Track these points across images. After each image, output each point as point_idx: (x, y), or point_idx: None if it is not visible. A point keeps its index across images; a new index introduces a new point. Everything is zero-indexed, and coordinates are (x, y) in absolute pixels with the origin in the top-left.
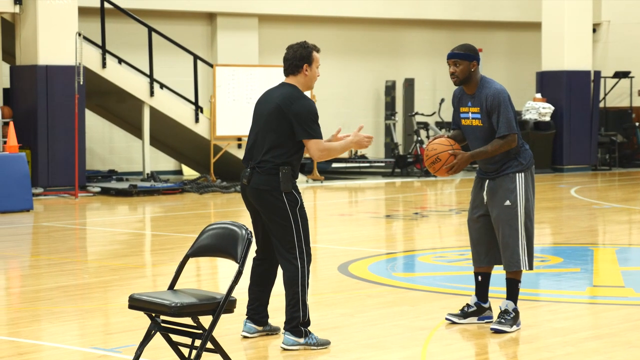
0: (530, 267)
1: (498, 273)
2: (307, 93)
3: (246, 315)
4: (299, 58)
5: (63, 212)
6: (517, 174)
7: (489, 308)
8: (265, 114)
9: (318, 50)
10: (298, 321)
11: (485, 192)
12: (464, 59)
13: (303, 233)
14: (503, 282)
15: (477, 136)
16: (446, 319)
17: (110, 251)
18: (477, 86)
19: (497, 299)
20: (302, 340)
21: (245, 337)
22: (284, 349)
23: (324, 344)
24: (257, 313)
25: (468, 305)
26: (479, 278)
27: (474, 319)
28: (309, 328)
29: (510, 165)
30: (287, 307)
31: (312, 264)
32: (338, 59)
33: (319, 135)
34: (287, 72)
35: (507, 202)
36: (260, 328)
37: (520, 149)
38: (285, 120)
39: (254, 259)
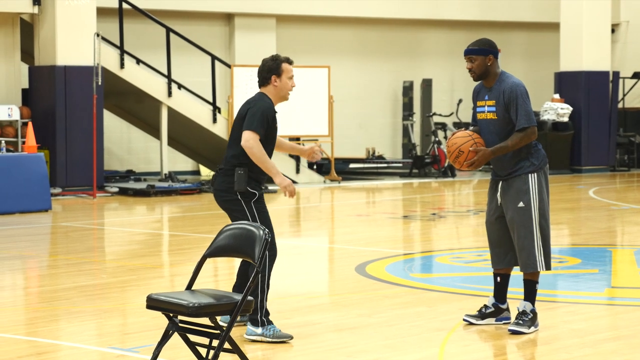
0: (548, 268)
1: (516, 274)
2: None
3: None
4: (266, 70)
5: (81, 212)
6: (530, 175)
7: (507, 309)
8: (235, 120)
9: (290, 62)
10: (255, 309)
11: (499, 194)
12: (479, 54)
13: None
14: (521, 283)
15: (490, 130)
16: (464, 320)
17: (128, 251)
18: (495, 80)
19: (515, 300)
20: (259, 330)
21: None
22: (245, 339)
23: (283, 337)
24: None
25: (486, 306)
26: (498, 279)
27: (491, 320)
28: (270, 319)
29: (523, 166)
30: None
31: (330, 264)
32: (356, 60)
33: (253, 128)
34: (259, 83)
35: (521, 204)
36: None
37: (532, 149)
38: (243, 121)
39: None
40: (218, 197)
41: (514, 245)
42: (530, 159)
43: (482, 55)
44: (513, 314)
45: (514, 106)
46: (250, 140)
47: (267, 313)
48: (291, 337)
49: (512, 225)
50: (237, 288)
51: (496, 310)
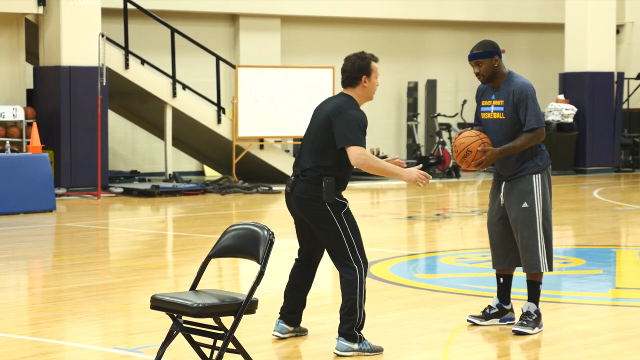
0: (550, 269)
1: (519, 275)
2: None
3: (279, 315)
4: (357, 70)
5: (85, 212)
6: (534, 176)
7: (511, 310)
8: (316, 123)
9: (377, 60)
10: (353, 324)
11: (502, 195)
12: (485, 57)
13: (353, 237)
14: (524, 284)
15: (496, 130)
16: (468, 320)
17: (132, 252)
18: (504, 80)
19: (519, 301)
20: (356, 346)
21: (277, 337)
22: (337, 355)
23: (378, 350)
24: (292, 312)
25: (490, 307)
26: (501, 280)
27: (495, 321)
28: (362, 333)
29: (527, 167)
30: (342, 310)
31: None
32: None
33: (359, 143)
34: (345, 84)
35: (525, 204)
36: (291, 328)
37: (536, 150)
38: (331, 130)
39: (296, 260)
40: (300, 204)
41: (517, 245)
42: (535, 159)
43: (488, 58)
44: (517, 314)
45: (524, 106)
46: (361, 156)
47: (363, 327)
48: (382, 349)
49: (515, 226)
50: (293, 289)
51: (500, 311)
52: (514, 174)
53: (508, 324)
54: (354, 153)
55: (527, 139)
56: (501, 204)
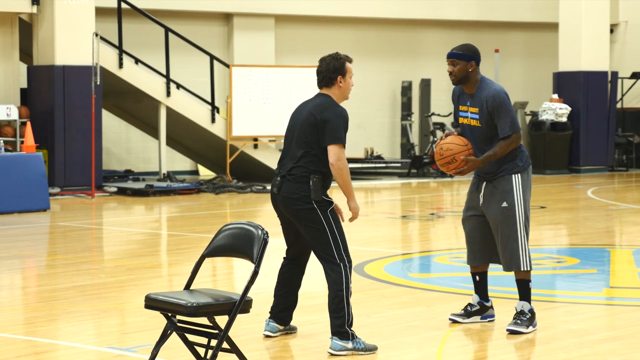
0: (530, 267)
1: (510, 274)
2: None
3: (269, 314)
4: (332, 70)
5: (80, 211)
6: (514, 175)
7: (491, 307)
8: (298, 123)
9: (351, 61)
10: (343, 320)
11: (482, 194)
12: (461, 59)
13: (338, 234)
14: (514, 283)
15: (475, 135)
16: (450, 318)
17: (126, 251)
18: (476, 87)
19: (512, 300)
20: (350, 345)
21: (267, 336)
22: (332, 354)
23: (372, 349)
24: (282, 311)
25: (471, 305)
26: (477, 278)
27: (477, 318)
28: (354, 331)
29: (507, 167)
30: (330, 307)
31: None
32: (354, 59)
33: (342, 142)
34: (321, 84)
35: (505, 204)
36: (282, 327)
37: (517, 150)
38: (317, 128)
39: (285, 259)
40: (288, 204)
41: (496, 244)
42: (515, 160)
43: (464, 61)
44: (511, 314)
45: (498, 114)
46: (342, 159)
47: (352, 324)
48: (377, 348)
49: (495, 225)
50: (281, 288)
51: (481, 309)
52: (495, 174)
53: (489, 321)
54: (335, 153)
55: (505, 145)
56: (479, 202)
